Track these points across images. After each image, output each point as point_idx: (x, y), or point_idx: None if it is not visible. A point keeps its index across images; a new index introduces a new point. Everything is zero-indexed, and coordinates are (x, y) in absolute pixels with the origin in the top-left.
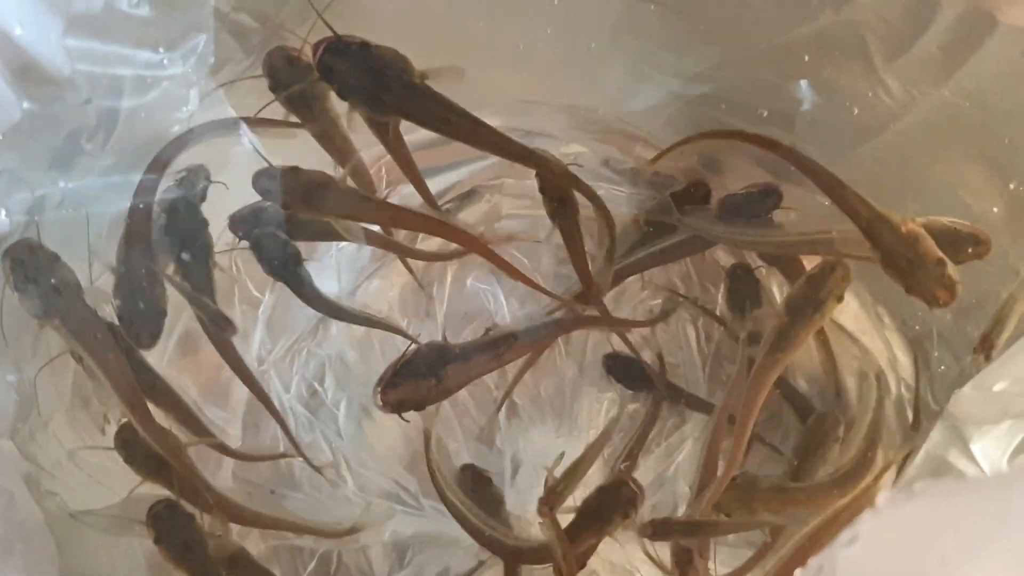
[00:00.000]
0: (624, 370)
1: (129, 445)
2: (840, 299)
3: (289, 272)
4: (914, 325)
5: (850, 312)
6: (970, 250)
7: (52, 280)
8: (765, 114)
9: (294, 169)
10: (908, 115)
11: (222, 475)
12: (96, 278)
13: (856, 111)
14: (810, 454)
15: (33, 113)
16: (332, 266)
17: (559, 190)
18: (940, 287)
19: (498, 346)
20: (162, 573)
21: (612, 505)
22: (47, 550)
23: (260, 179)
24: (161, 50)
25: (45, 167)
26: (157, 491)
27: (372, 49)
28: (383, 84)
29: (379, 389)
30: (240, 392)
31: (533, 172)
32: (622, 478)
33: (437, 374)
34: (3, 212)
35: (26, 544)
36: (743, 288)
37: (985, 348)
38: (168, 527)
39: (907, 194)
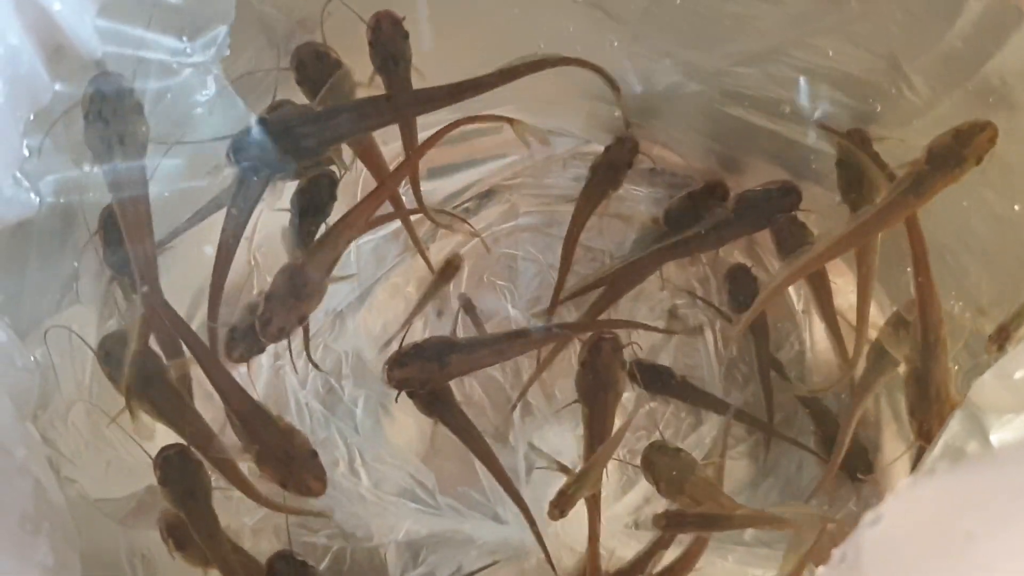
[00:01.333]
0: (650, 377)
1: (111, 358)
2: (979, 161)
3: None
4: None
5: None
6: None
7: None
8: (788, 110)
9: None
10: (930, 112)
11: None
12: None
13: (879, 108)
14: None
15: (64, 95)
16: (351, 262)
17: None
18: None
19: (501, 342)
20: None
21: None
22: (70, 532)
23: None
24: (185, 39)
25: (73, 150)
26: None
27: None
28: None
29: (387, 366)
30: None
31: (550, 171)
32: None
33: (442, 360)
34: (33, 194)
35: (52, 524)
36: (743, 289)
37: (1000, 339)
38: (175, 471)
39: None
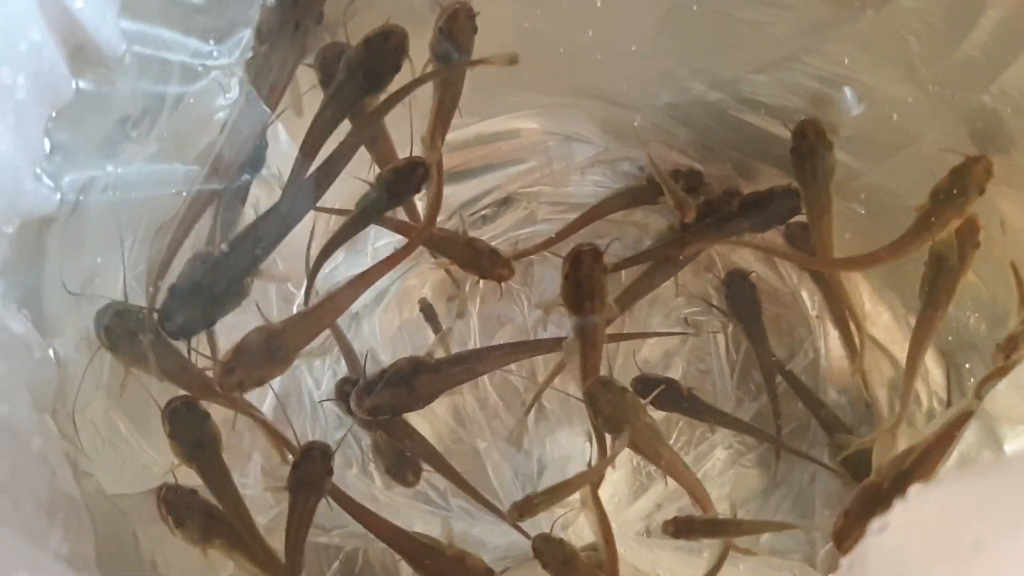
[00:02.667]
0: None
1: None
2: (982, 191)
3: None
4: (947, 336)
5: (882, 323)
6: None
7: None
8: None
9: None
10: (947, 122)
11: (251, 469)
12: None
13: (895, 117)
14: None
15: (86, 94)
16: (367, 263)
17: None
18: None
19: (470, 359)
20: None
21: None
22: (84, 524)
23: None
24: (212, 41)
25: (95, 149)
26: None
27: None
28: None
29: (354, 396)
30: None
31: (569, 179)
32: None
33: (410, 384)
34: (57, 194)
35: (67, 515)
36: (740, 294)
37: (1008, 349)
38: (183, 423)
39: None
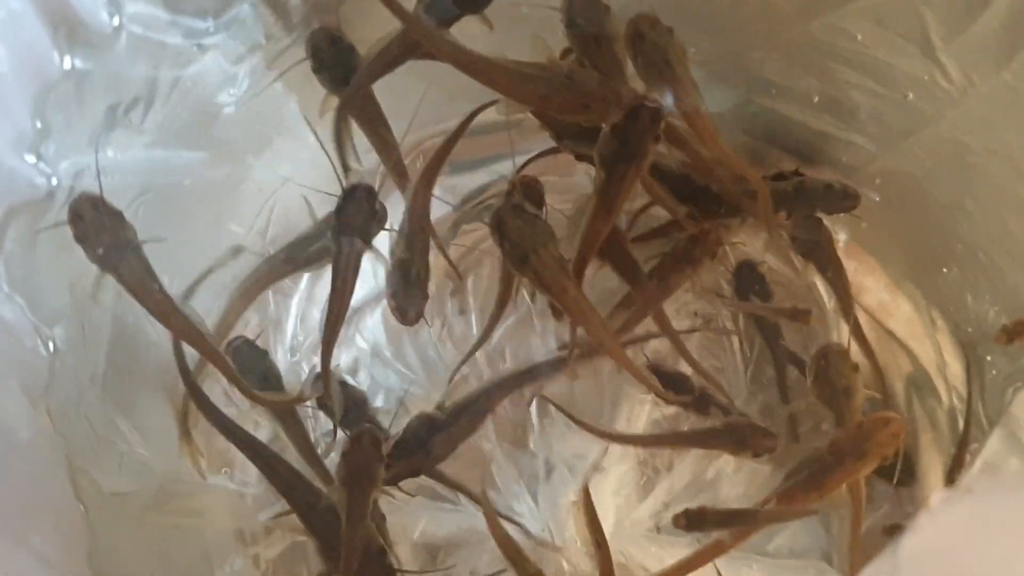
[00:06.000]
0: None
1: None
2: (883, 459)
3: None
4: (967, 328)
5: (902, 315)
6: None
7: (112, 236)
8: (816, 99)
9: None
10: (965, 101)
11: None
12: None
13: (910, 96)
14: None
15: (76, 74)
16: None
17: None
18: None
19: (477, 403)
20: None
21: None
22: (74, 523)
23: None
24: (208, 17)
25: (89, 134)
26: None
27: None
28: None
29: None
30: None
31: (577, 168)
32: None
33: (425, 447)
34: (52, 179)
35: (56, 513)
36: (748, 285)
37: (1013, 333)
38: (247, 360)
39: (962, 189)
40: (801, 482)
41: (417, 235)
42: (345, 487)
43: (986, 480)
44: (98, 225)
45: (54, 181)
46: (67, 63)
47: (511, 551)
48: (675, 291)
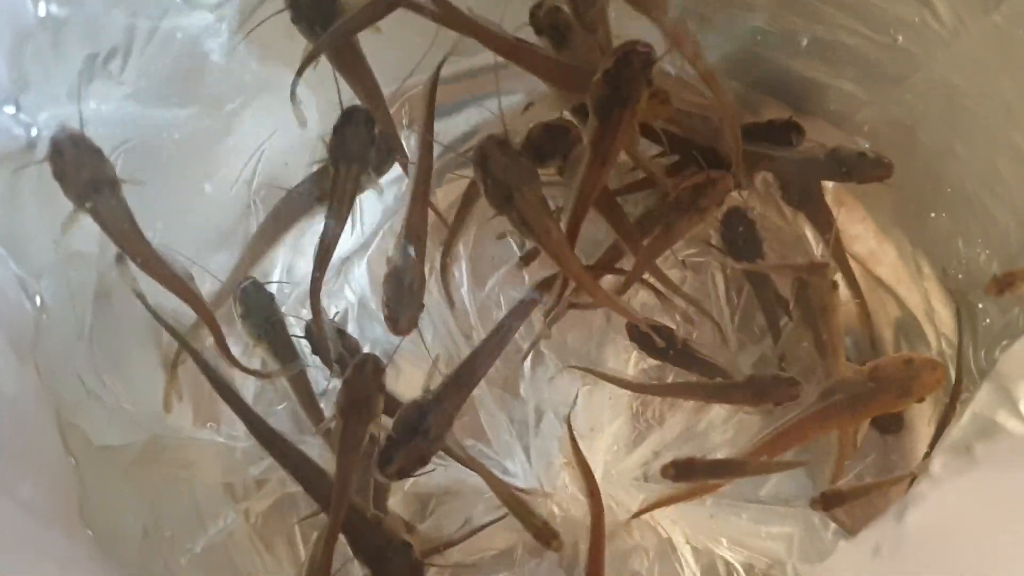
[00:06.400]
0: (647, 338)
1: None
2: (922, 399)
3: None
4: (956, 274)
5: (887, 261)
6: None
7: (91, 173)
8: (805, 43)
9: None
10: (956, 44)
11: None
12: None
13: (900, 39)
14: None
15: (55, 22)
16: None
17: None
18: None
19: (463, 375)
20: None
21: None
22: (65, 475)
23: None
24: None
25: (68, 85)
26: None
27: None
28: None
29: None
30: None
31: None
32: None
33: (421, 431)
34: (32, 129)
35: (45, 466)
36: (736, 232)
37: (1003, 284)
38: (254, 301)
39: (952, 133)
40: (838, 403)
41: (413, 245)
42: (343, 416)
43: (988, 446)
44: (78, 162)
45: (34, 132)
46: (42, 9)
47: (517, 507)
48: (679, 240)
